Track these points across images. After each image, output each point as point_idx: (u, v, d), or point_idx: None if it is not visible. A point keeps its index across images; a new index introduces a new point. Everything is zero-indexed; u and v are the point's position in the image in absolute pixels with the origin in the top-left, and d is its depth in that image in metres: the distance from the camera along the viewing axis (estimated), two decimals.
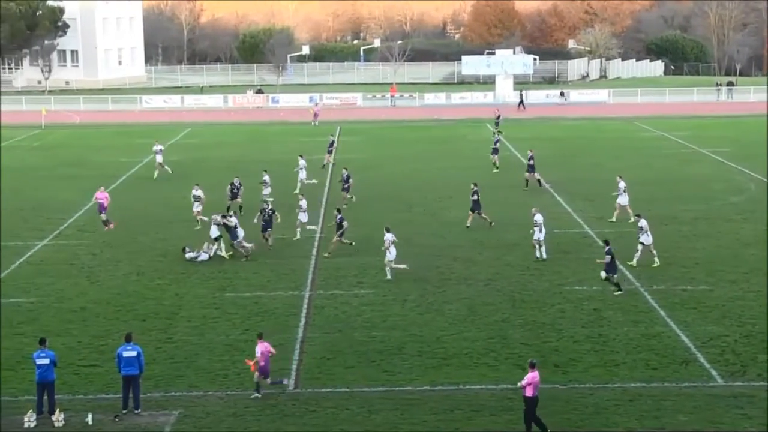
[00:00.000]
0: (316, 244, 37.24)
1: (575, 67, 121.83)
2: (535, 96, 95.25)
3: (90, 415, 21.63)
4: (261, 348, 23.01)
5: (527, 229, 38.72)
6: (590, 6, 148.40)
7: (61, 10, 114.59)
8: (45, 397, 21.77)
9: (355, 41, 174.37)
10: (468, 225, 39.16)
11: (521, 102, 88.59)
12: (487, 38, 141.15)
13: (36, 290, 31.51)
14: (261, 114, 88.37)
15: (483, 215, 39.46)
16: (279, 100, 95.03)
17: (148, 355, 25.34)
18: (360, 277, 32.70)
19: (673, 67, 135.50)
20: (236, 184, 42.59)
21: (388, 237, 32.53)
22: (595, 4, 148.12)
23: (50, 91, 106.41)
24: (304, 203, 38.21)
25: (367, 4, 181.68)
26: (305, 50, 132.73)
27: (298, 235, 37.69)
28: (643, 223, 33.43)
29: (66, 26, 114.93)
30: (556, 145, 64.23)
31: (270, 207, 37.04)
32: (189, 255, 34.52)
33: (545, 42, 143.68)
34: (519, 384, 21.09)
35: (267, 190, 44.29)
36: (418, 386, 23.41)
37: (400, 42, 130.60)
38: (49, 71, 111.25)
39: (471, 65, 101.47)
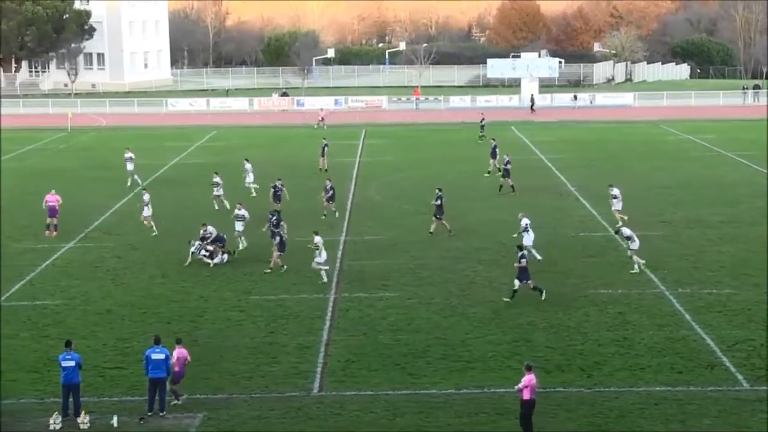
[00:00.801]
0: (341, 247, 37.24)
1: (600, 71, 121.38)
2: (560, 99, 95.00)
3: (115, 418, 21.72)
4: (177, 353, 22.63)
5: (552, 233, 38.67)
6: (616, 9, 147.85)
7: (88, 14, 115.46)
8: (70, 400, 21.88)
9: (381, 44, 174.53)
10: (431, 231, 38.58)
11: (532, 105, 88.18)
12: (512, 41, 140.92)
13: (62, 292, 31.71)
14: (286, 117, 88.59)
15: (444, 221, 38.78)
16: (304, 103, 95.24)
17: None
18: (384, 279, 32.67)
19: (699, 71, 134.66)
20: (278, 186, 42.38)
21: (318, 240, 32.49)
22: (621, 7, 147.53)
23: (77, 94, 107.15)
24: (242, 212, 36.72)
25: (393, 7, 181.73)
26: (330, 53, 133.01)
27: (241, 246, 36.33)
28: (627, 231, 33.25)
29: (92, 29, 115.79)
30: (581, 148, 64.00)
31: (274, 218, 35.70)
32: (194, 248, 34.54)
33: (570, 45, 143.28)
34: (515, 387, 21.00)
35: (219, 191, 44.17)
36: (443, 389, 23.36)
37: (425, 45, 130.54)
38: (76, 74, 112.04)
39: (496, 68, 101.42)
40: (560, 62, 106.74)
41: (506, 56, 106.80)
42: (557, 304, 29.60)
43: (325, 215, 41.82)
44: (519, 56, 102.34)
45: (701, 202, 44.99)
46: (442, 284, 32.08)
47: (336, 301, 30.49)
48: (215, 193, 44.22)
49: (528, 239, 34.35)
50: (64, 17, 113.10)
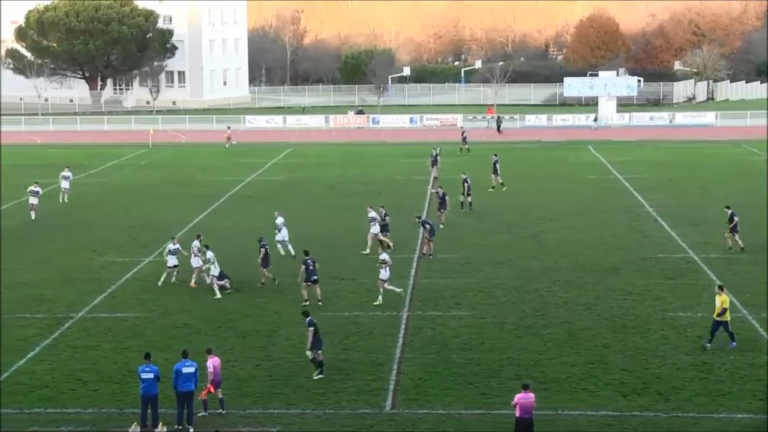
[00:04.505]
0: (414, 264, 37.26)
1: (681, 89, 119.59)
2: (639, 118, 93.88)
3: (191, 430, 22.05)
4: (213, 362, 23.07)
5: (630, 254, 38.22)
6: (698, 27, 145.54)
7: (170, 33, 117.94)
8: (148, 411, 22.27)
9: (456, 63, 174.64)
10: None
11: (498, 126, 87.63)
12: (590, 60, 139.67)
13: (141, 305, 32.30)
14: (361, 134, 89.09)
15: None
16: (380, 121, 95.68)
17: (247, 372, 25.82)
18: (458, 298, 32.59)
19: None
20: (382, 213, 40.04)
21: (384, 257, 32.28)
22: (704, 25, 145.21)
23: (158, 111, 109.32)
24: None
25: (469, 26, 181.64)
26: (406, 71, 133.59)
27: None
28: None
29: (174, 48, 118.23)
30: (660, 168, 63.10)
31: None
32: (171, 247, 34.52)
33: (650, 64, 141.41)
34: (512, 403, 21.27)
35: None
36: None
37: (501, 63, 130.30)
38: (158, 92, 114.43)
39: (573, 87, 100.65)
40: (639, 81, 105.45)
41: (583, 75, 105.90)
42: (633, 327, 29.18)
43: (444, 224, 42.73)
44: (596, 75, 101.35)
45: None
46: (516, 304, 31.87)
47: (409, 319, 30.48)
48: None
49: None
50: (148, 36, 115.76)
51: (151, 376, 22.28)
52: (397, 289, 32.20)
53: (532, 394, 21.21)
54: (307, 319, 25.50)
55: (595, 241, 40.89)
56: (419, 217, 39.32)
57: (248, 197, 53.84)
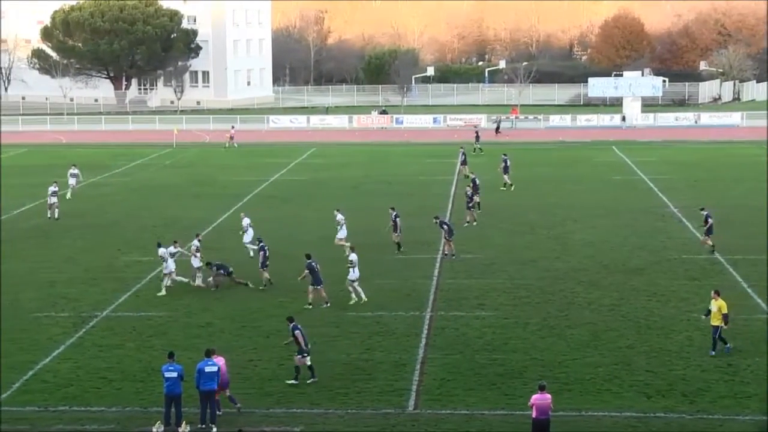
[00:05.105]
0: (437, 264, 37.22)
1: (706, 90, 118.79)
2: (664, 119, 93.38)
3: (214, 429, 22.11)
4: (221, 361, 23.12)
5: (655, 254, 38.05)
6: (724, 27, 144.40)
7: (195, 33, 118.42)
8: (172, 410, 22.35)
9: (480, 63, 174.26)
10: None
11: (498, 128, 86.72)
12: (614, 60, 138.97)
13: (165, 305, 32.43)
14: (385, 134, 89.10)
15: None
16: (403, 121, 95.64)
17: (270, 371, 25.86)
18: (481, 299, 32.52)
19: None
20: (393, 215, 39.64)
21: (163, 251, 33.19)
22: (730, 25, 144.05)
23: (182, 111, 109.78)
24: None
25: (493, 26, 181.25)
26: (430, 71, 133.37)
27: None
28: None
29: (198, 48, 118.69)
30: (685, 169, 62.71)
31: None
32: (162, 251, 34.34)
33: (675, 64, 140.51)
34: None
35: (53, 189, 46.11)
36: None
37: (525, 63, 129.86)
38: (182, 91, 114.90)
39: (598, 87, 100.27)
40: (664, 81, 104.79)
41: (608, 75, 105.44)
42: (658, 328, 29.00)
43: (469, 222, 43.80)
44: (621, 75, 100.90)
45: None
46: (540, 304, 31.76)
47: (432, 319, 30.45)
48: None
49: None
50: (172, 36, 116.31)
51: (175, 375, 22.36)
52: (364, 297, 32.03)
53: (548, 395, 21.12)
54: (291, 325, 25.36)
55: (620, 241, 40.70)
56: (437, 218, 39.32)
57: (271, 197, 53.96)
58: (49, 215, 47.31)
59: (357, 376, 25.38)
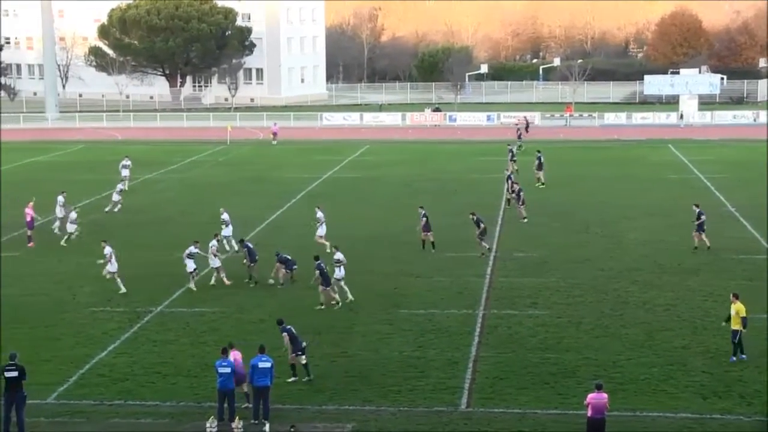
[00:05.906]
0: (490, 263, 37.05)
1: (766, 87, 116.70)
2: (722, 117, 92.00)
3: (267, 425, 22.22)
4: (237, 356, 23.22)
5: (711, 254, 37.55)
6: None
7: (249, 30, 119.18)
8: (225, 405, 22.50)
9: (534, 60, 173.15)
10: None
11: (527, 127, 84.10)
12: (671, 57, 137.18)
13: (217, 301, 32.69)
14: (438, 132, 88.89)
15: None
16: (456, 119, 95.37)
17: (322, 368, 25.94)
18: (534, 297, 32.32)
19: None
20: (421, 213, 39.53)
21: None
22: None
23: (236, 108, 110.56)
24: None
25: (548, 23, 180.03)
26: (483, 69, 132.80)
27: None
28: None
29: (252, 45, 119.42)
30: (742, 168, 61.68)
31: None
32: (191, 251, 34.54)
33: (734, 61, 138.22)
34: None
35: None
36: None
37: (580, 61, 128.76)
38: (236, 89, 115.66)
39: (654, 85, 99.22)
40: (722, 79, 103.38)
41: (664, 72, 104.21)
42: (714, 329, 28.56)
43: (525, 218, 44.09)
44: (678, 72, 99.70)
45: None
46: (594, 304, 31.49)
47: (485, 317, 30.32)
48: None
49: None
50: (227, 34, 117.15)
51: (228, 370, 22.52)
52: (350, 296, 31.94)
53: (605, 395, 20.94)
54: (281, 326, 25.40)
55: (676, 240, 40.18)
56: (473, 214, 39.05)
57: (323, 195, 54.07)
58: (107, 209, 48.05)
59: (409, 374, 25.36)
